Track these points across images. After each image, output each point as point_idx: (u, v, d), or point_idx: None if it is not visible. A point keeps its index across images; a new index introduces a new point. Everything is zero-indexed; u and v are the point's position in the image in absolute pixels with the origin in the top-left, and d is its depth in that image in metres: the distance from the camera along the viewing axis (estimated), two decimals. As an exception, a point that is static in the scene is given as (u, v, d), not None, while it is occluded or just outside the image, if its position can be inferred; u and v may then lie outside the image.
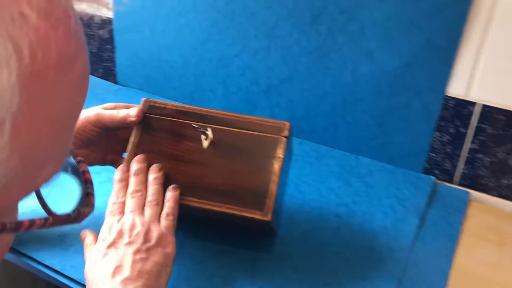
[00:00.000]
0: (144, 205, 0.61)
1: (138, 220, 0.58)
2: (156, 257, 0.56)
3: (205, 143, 0.65)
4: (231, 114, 0.66)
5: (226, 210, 0.62)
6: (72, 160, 0.37)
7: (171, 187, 0.63)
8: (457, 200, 0.83)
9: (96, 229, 0.72)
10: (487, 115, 0.79)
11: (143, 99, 0.69)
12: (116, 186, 0.63)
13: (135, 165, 0.64)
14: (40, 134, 0.23)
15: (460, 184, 0.86)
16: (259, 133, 0.64)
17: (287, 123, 0.64)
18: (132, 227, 0.58)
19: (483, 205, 0.84)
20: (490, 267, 0.72)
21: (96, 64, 1.14)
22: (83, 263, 0.67)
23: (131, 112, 0.66)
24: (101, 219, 0.74)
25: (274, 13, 0.88)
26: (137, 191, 0.62)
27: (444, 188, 0.86)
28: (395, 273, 0.69)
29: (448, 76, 0.79)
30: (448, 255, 0.73)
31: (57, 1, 0.23)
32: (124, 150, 0.68)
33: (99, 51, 1.12)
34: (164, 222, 0.60)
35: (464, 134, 0.82)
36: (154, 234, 0.58)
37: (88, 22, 1.09)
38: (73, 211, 0.36)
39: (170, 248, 0.58)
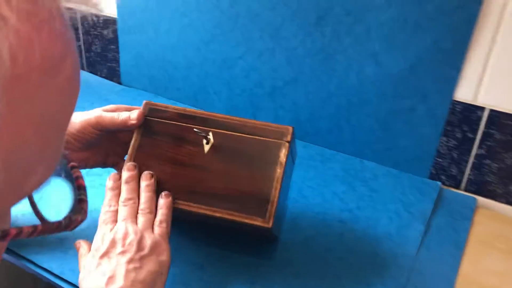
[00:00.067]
0: (137, 213, 0.60)
1: (131, 229, 0.57)
2: (150, 266, 0.55)
3: (206, 147, 0.64)
4: (233, 118, 0.65)
5: (227, 216, 0.60)
6: (65, 165, 0.36)
7: (163, 193, 0.62)
8: (464, 206, 0.82)
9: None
10: (495, 120, 0.77)
11: (144, 102, 0.68)
12: (108, 194, 0.62)
13: (126, 173, 0.63)
14: (24, 138, 0.23)
15: (466, 190, 0.85)
16: (261, 138, 0.63)
17: (290, 128, 0.63)
18: (125, 235, 0.57)
19: (490, 212, 0.83)
20: (497, 275, 0.70)
21: (100, 64, 1.14)
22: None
23: (132, 115, 0.65)
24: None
25: (278, 14, 0.87)
26: (129, 199, 0.61)
27: (451, 194, 0.84)
28: (399, 280, 0.67)
29: (455, 80, 0.78)
30: (454, 263, 0.71)
31: (41, 2, 0.22)
32: (126, 153, 0.67)
33: (103, 51, 1.11)
34: (157, 229, 0.59)
35: (471, 139, 0.80)
36: (148, 242, 0.57)
37: (93, 22, 1.09)
38: (65, 218, 0.35)
39: (164, 256, 0.57)
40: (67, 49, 0.24)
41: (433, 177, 0.87)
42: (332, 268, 0.69)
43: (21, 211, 0.36)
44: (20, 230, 0.27)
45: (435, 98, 0.80)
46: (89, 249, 0.58)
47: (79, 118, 0.66)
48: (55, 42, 0.23)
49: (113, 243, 0.56)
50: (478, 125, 0.79)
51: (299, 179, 0.84)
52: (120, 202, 0.61)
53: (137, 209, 0.60)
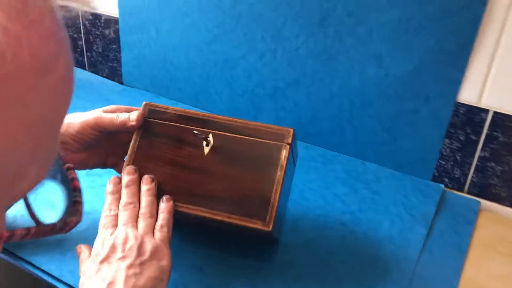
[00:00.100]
0: (137, 217, 0.59)
1: (131, 233, 0.57)
2: (150, 272, 0.54)
3: (206, 149, 0.63)
4: (234, 119, 0.64)
5: (226, 219, 0.60)
6: (60, 166, 0.36)
7: (164, 197, 0.61)
8: (467, 209, 0.81)
9: (96, 233, 0.71)
10: (499, 122, 0.76)
11: (143, 103, 0.67)
12: (109, 198, 0.61)
13: (126, 177, 0.62)
14: (15, 139, 0.22)
15: (470, 193, 0.84)
16: (262, 140, 0.62)
17: (291, 130, 0.62)
18: (125, 240, 0.56)
19: (494, 215, 0.82)
20: (500, 280, 0.69)
21: (101, 64, 1.13)
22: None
23: (131, 116, 0.65)
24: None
25: (281, 15, 0.86)
26: (130, 203, 0.60)
27: (454, 197, 0.83)
28: (401, 284, 0.67)
29: (459, 82, 0.77)
30: (457, 267, 0.71)
31: (32, 2, 0.22)
32: (126, 153, 0.67)
33: (105, 50, 1.11)
34: (158, 234, 0.58)
35: (475, 142, 0.80)
36: (148, 247, 0.56)
37: (94, 21, 1.08)
38: (59, 220, 0.34)
39: (165, 261, 0.56)
40: (59, 48, 0.24)
41: (436, 179, 0.86)
42: (333, 271, 0.68)
43: (20, 212, 0.36)
44: (12, 233, 0.27)
45: (439, 100, 0.80)
46: (90, 254, 0.58)
47: (78, 119, 0.65)
48: (47, 42, 0.23)
49: (113, 248, 0.55)
50: (481, 127, 0.78)
51: (300, 181, 0.84)
52: (120, 206, 0.60)
53: (138, 213, 0.60)
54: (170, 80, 1.04)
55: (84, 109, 0.70)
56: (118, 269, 0.54)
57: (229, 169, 0.62)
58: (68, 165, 0.36)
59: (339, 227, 0.76)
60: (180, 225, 0.63)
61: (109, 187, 0.62)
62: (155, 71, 1.05)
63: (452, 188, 0.85)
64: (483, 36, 0.73)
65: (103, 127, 0.65)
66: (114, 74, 1.13)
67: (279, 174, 0.61)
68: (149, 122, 0.66)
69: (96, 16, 1.08)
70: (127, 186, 0.62)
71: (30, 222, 0.34)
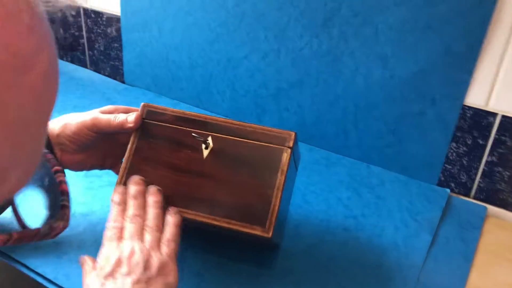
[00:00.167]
0: (143, 230, 0.57)
1: (137, 247, 0.54)
2: None
3: (205, 152, 0.62)
4: (234, 122, 0.62)
5: (225, 225, 0.58)
6: (48, 169, 0.35)
7: (172, 211, 0.59)
8: (473, 215, 0.79)
9: (93, 236, 0.70)
10: (508, 126, 0.74)
11: (142, 104, 0.66)
12: (115, 209, 0.59)
13: (133, 187, 0.60)
14: None
15: (476, 198, 0.82)
16: (262, 143, 0.61)
17: (293, 133, 0.60)
18: (131, 254, 0.54)
19: (501, 221, 0.80)
20: (506, 289, 0.68)
21: (103, 62, 1.12)
22: (77, 272, 0.65)
23: (129, 117, 0.63)
24: (98, 225, 0.72)
25: (285, 14, 0.84)
26: (137, 215, 0.57)
27: (460, 202, 0.81)
28: (404, 293, 0.65)
29: (466, 84, 0.75)
30: (462, 274, 0.69)
31: None
32: (124, 155, 0.65)
33: (107, 49, 1.10)
34: (165, 249, 0.56)
35: (482, 146, 0.78)
36: (155, 263, 0.53)
37: (96, 19, 1.07)
38: (44, 225, 0.33)
39: (171, 277, 0.54)
40: (40, 43, 0.23)
41: (441, 184, 0.84)
42: (334, 278, 0.66)
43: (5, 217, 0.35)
44: None
45: (445, 102, 0.78)
46: (94, 266, 0.55)
47: (74, 119, 0.64)
48: (25, 37, 0.22)
49: (118, 263, 0.53)
50: (489, 131, 0.76)
51: (303, 184, 0.82)
52: (126, 218, 0.57)
53: (144, 225, 0.57)
54: (172, 79, 1.03)
55: (85, 107, 0.69)
56: (124, 285, 0.52)
57: (228, 173, 0.60)
58: (56, 167, 0.35)
59: (341, 232, 0.74)
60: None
61: (115, 197, 0.59)
62: (157, 70, 1.04)
63: (458, 193, 0.83)
64: (492, 37, 0.71)
65: (100, 128, 0.63)
66: (116, 73, 1.11)
67: (280, 178, 0.59)
68: (147, 124, 0.64)
69: (98, 14, 1.06)
70: (134, 197, 0.59)
71: (17, 227, 0.33)
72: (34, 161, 0.26)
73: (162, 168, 0.62)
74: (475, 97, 0.76)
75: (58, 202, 0.34)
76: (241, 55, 0.92)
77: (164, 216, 0.59)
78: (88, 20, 1.08)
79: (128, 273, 0.52)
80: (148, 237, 0.56)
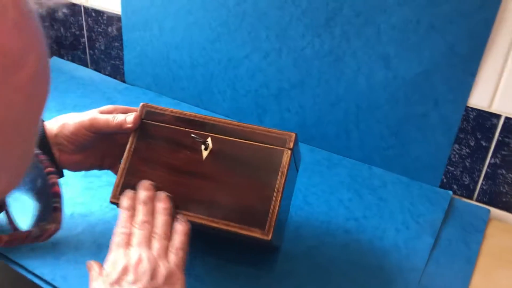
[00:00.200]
0: (151, 237, 0.56)
1: (145, 255, 0.53)
2: None
3: (205, 154, 0.61)
4: (234, 122, 0.62)
5: (224, 227, 0.57)
6: (41, 170, 0.34)
7: (181, 220, 0.58)
8: (476, 218, 0.78)
9: (92, 237, 0.70)
10: (511, 128, 0.73)
11: (141, 104, 0.65)
12: (124, 214, 0.57)
13: (143, 192, 0.59)
14: None
15: (479, 201, 0.81)
16: (262, 145, 0.60)
17: (293, 134, 0.60)
18: (138, 262, 0.53)
19: (504, 224, 0.79)
20: (509, 293, 0.67)
21: (104, 61, 1.11)
22: (74, 273, 0.64)
23: (128, 118, 0.62)
24: (96, 226, 0.71)
25: (286, 14, 0.83)
26: (146, 221, 0.56)
27: (462, 205, 0.81)
28: (405, 296, 0.64)
29: (470, 86, 0.74)
30: (465, 278, 0.68)
31: None
32: (123, 155, 0.65)
33: (107, 48, 1.09)
34: (173, 258, 0.55)
35: (485, 148, 0.77)
36: (162, 272, 0.53)
37: (97, 18, 1.06)
38: (35, 227, 0.32)
39: (178, 287, 0.53)
40: (28, 42, 0.22)
41: (444, 186, 0.83)
42: (335, 281, 0.65)
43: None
44: None
45: (448, 104, 0.77)
46: (100, 272, 0.54)
47: (73, 119, 0.63)
48: (12, 35, 0.21)
49: (125, 270, 0.52)
50: (492, 133, 0.75)
51: (304, 185, 0.81)
52: (135, 224, 0.56)
53: (152, 232, 0.56)
54: (172, 79, 1.02)
55: (86, 107, 0.68)
56: None
57: (228, 175, 0.60)
58: (48, 169, 0.34)
59: (342, 234, 0.73)
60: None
61: (125, 202, 0.58)
62: (158, 69, 1.03)
63: (461, 195, 0.82)
64: (496, 38, 0.70)
65: (98, 129, 0.62)
66: (116, 72, 1.11)
67: (280, 180, 0.58)
68: (146, 124, 0.64)
69: (98, 13, 1.06)
70: (144, 203, 0.58)
71: (8, 229, 0.32)
72: (25, 162, 0.25)
73: (161, 169, 0.61)
74: (478, 99, 0.75)
75: (51, 204, 0.33)
76: (242, 55, 0.91)
77: (172, 223, 0.58)
78: (89, 19, 1.08)
79: (135, 282, 0.51)
80: (157, 244, 0.55)
